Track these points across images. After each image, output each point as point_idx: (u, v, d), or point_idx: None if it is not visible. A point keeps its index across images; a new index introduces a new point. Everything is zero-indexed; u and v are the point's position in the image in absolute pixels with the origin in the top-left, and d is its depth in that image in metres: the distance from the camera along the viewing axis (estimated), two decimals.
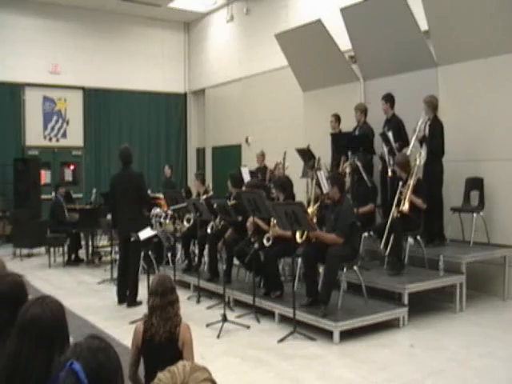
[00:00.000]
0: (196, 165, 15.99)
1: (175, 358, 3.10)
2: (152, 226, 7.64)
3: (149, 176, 14.97)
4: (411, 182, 6.59)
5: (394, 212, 6.58)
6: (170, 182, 12.51)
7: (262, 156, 10.61)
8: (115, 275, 7.80)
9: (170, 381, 1.18)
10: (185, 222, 8.13)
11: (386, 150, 7.41)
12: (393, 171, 7.02)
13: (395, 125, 7.58)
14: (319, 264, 6.00)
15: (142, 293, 6.75)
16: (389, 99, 7.74)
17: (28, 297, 2.40)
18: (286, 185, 6.92)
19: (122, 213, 7.24)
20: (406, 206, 6.45)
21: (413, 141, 7.07)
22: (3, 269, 2.81)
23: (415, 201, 6.53)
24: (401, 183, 6.68)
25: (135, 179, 7.22)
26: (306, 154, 8.81)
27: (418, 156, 6.84)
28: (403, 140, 7.50)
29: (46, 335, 1.88)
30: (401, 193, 6.62)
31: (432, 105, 7.08)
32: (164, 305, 3.19)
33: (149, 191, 9.86)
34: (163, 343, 3.14)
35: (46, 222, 10.89)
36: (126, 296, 7.14)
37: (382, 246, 6.65)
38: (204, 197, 7.81)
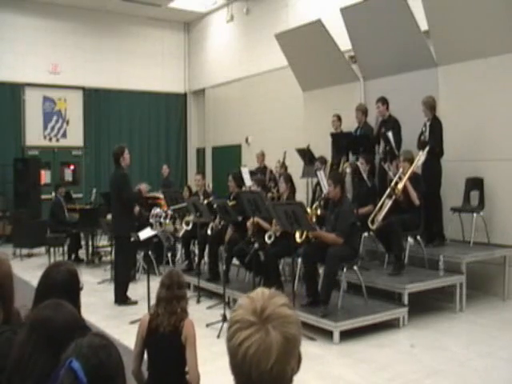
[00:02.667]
0: (196, 165, 15.99)
1: (177, 351, 3.14)
2: (152, 226, 7.64)
3: (149, 176, 14.99)
4: (410, 170, 6.60)
5: (389, 192, 6.57)
6: (168, 181, 12.57)
7: (261, 156, 10.61)
8: None
9: (250, 306, 1.23)
10: (184, 225, 8.14)
11: (381, 150, 7.47)
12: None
13: (393, 125, 7.58)
14: (319, 264, 6.00)
15: (143, 292, 6.75)
16: (386, 101, 7.75)
17: (81, 286, 2.51)
18: (290, 179, 7.02)
19: (111, 212, 7.61)
20: (399, 186, 6.44)
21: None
22: (9, 268, 2.83)
23: (411, 191, 6.52)
24: (401, 170, 6.67)
25: (117, 179, 7.28)
26: (306, 154, 8.81)
27: (421, 153, 6.82)
28: (398, 141, 7.51)
29: (53, 339, 1.86)
30: (400, 178, 6.62)
31: (430, 105, 7.08)
32: (169, 298, 3.21)
33: (156, 193, 9.88)
34: (166, 335, 3.16)
35: (46, 222, 10.89)
36: (122, 295, 7.18)
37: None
38: (205, 202, 7.79)
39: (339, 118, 8.66)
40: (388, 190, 6.64)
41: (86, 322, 2.32)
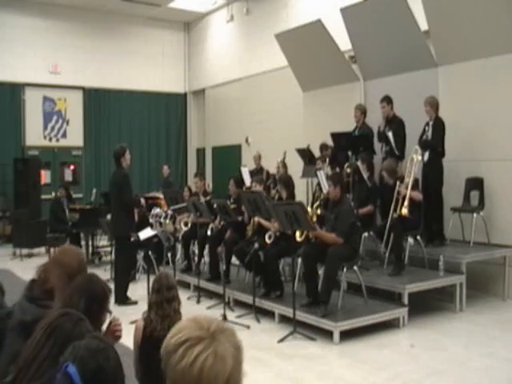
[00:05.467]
0: (196, 165, 16.00)
1: None
2: (152, 226, 7.65)
3: (149, 176, 15.03)
4: (410, 182, 6.57)
5: (392, 213, 6.57)
6: (168, 181, 12.58)
7: (258, 158, 10.58)
8: None
9: (194, 324, 1.20)
10: (182, 226, 8.14)
11: (384, 150, 7.46)
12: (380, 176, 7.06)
13: (397, 125, 7.57)
14: (319, 264, 6.00)
15: (143, 292, 6.76)
16: (390, 101, 7.70)
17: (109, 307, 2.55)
18: (289, 183, 6.97)
19: (111, 212, 7.58)
20: (404, 211, 6.41)
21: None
22: (81, 258, 3.01)
23: (413, 195, 6.51)
24: (398, 182, 6.67)
25: (118, 179, 7.25)
26: (306, 154, 8.81)
27: (415, 154, 6.78)
28: (402, 142, 7.49)
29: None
30: (398, 192, 6.60)
31: (434, 105, 7.10)
32: (160, 301, 3.21)
33: (156, 193, 9.83)
34: (162, 339, 3.14)
35: (46, 222, 10.90)
36: (122, 295, 7.18)
37: (382, 246, 6.66)
38: (204, 199, 7.80)
39: (326, 147, 8.53)
40: (392, 210, 6.61)
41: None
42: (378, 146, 7.93)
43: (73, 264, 2.79)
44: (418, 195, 6.57)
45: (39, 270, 2.85)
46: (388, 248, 6.67)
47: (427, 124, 7.17)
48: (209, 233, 7.37)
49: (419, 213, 6.67)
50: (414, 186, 6.59)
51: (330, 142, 8.26)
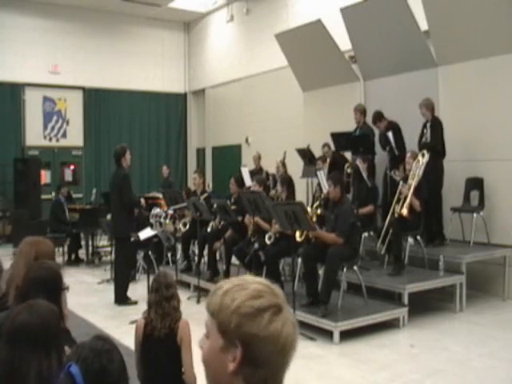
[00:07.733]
0: (196, 165, 15.99)
1: (174, 353, 3.14)
2: (152, 226, 7.65)
3: (149, 176, 15.03)
4: (413, 184, 6.55)
5: (391, 213, 6.56)
6: (167, 181, 12.58)
7: (258, 158, 10.56)
8: None
9: (270, 290, 1.19)
10: (181, 226, 8.15)
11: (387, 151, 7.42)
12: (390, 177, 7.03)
13: (394, 130, 7.53)
14: (319, 264, 6.00)
15: (143, 292, 6.76)
16: (382, 116, 7.61)
17: (64, 284, 2.53)
18: (289, 183, 6.98)
19: (111, 212, 7.59)
20: (405, 211, 6.39)
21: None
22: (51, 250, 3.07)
23: (413, 201, 6.50)
24: (401, 182, 6.67)
25: (118, 180, 7.23)
26: (306, 154, 8.81)
27: (421, 156, 6.77)
28: (401, 144, 7.48)
29: (37, 341, 1.80)
30: (400, 192, 6.60)
31: (430, 107, 7.09)
32: (159, 300, 3.22)
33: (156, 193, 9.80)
34: (162, 338, 3.16)
35: (46, 222, 10.90)
36: (122, 295, 7.19)
37: (379, 243, 6.66)
38: (203, 196, 7.81)
39: (329, 147, 8.49)
40: (393, 206, 6.60)
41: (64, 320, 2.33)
42: (379, 146, 7.91)
43: (30, 253, 2.89)
44: (418, 206, 6.54)
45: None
46: (384, 246, 6.65)
47: (425, 125, 7.16)
48: (209, 229, 7.37)
49: (419, 213, 6.66)
50: (419, 196, 6.52)
51: (332, 145, 8.24)
